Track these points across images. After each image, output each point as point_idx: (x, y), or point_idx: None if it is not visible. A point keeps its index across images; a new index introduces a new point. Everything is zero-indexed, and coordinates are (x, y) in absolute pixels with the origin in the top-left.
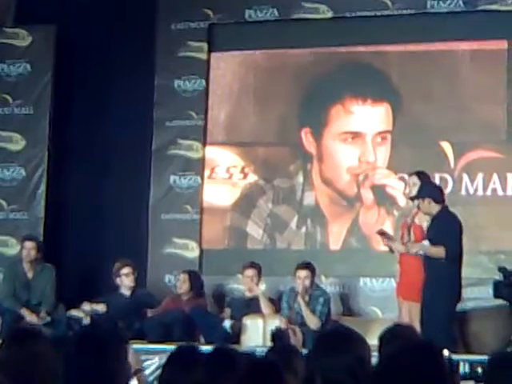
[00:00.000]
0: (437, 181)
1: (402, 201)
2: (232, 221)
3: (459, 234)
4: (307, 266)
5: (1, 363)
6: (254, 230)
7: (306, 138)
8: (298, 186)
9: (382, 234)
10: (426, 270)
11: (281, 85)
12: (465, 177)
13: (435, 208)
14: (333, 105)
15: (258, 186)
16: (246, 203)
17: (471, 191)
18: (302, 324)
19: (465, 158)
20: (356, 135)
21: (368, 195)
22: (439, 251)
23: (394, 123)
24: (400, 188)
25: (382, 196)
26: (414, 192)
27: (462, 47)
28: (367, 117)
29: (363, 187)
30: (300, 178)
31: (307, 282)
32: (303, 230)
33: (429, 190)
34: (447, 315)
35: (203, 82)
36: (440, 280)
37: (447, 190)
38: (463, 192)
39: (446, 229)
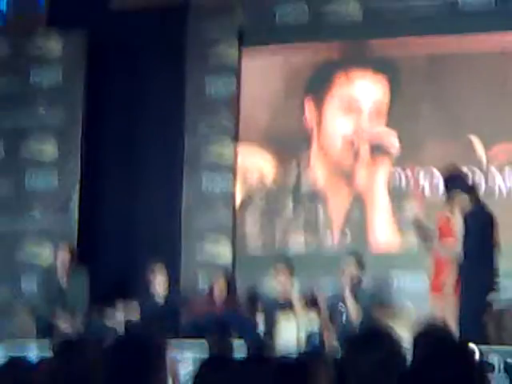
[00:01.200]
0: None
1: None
2: (262, 222)
3: (484, 231)
4: (357, 254)
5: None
6: (284, 232)
7: (309, 106)
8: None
9: (418, 225)
10: (460, 264)
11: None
12: (493, 170)
13: (465, 201)
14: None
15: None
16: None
17: (501, 184)
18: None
19: (494, 151)
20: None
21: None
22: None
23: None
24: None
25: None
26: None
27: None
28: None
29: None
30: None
31: (354, 271)
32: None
33: (460, 184)
34: (481, 309)
35: (235, 84)
36: (474, 274)
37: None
38: (492, 185)
39: (471, 225)
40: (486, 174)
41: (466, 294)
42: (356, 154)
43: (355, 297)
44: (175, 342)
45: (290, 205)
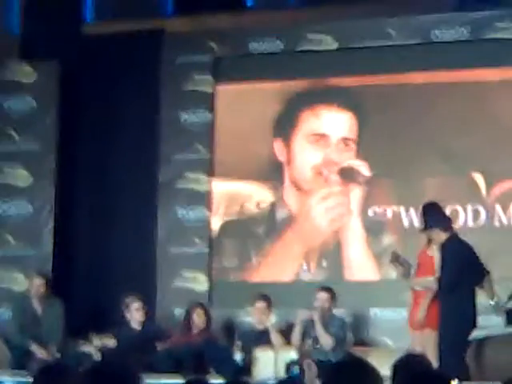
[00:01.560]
0: (469, 212)
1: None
2: (238, 252)
3: (461, 264)
4: (329, 289)
5: None
6: (260, 262)
7: (277, 143)
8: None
9: (396, 258)
10: (439, 300)
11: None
12: (497, 207)
13: (443, 236)
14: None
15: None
16: (244, 233)
17: (505, 221)
18: (315, 352)
19: (497, 188)
20: (322, 137)
21: (335, 179)
22: (432, 283)
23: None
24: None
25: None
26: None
27: (488, 76)
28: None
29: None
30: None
31: (326, 305)
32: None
33: (435, 219)
34: (461, 344)
35: (209, 114)
36: (453, 309)
37: (481, 221)
38: (496, 223)
39: (448, 259)
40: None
41: (444, 329)
42: (326, 183)
43: (327, 327)
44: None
45: (265, 234)
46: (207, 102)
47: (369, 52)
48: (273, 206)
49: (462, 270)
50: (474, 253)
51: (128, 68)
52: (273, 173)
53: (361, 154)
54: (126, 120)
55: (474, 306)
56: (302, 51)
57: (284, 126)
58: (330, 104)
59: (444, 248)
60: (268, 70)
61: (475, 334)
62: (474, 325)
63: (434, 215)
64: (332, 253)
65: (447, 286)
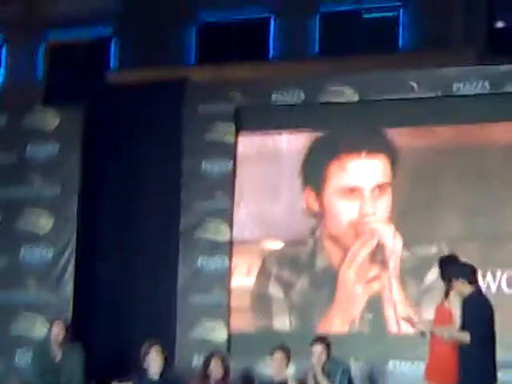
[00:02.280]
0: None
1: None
2: (258, 302)
3: (489, 319)
4: (322, 339)
5: None
6: (280, 312)
7: (308, 197)
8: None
9: (408, 320)
10: (458, 354)
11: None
12: None
13: (468, 289)
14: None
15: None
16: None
17: None
18: None
19: None
20: (354, 190)
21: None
22: (465, 336)
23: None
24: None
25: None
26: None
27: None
28: (364, 171)
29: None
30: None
31: (323, 357)
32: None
33: (461, 270)
34: None
35: (230, 163)
36: (473, 365)
37: None
38: None
39: (475, 313)
40: None
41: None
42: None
43: (330, 376)
44: None
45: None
46: (229, 151)
47: (389, 104)
48: (312, 257)
49: (488, 321)
50: (492, 307)
51: (151, 115)
52: (304, 225)
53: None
54: (148, 167)
55: (494, 360)
56: (323, 103)
57: (313, 177)
58: (357, 152)
59: (471, 300)
60: (290, 121)
61: None
62: (494, 380)
63: (458, 266)
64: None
65: (481, 340)
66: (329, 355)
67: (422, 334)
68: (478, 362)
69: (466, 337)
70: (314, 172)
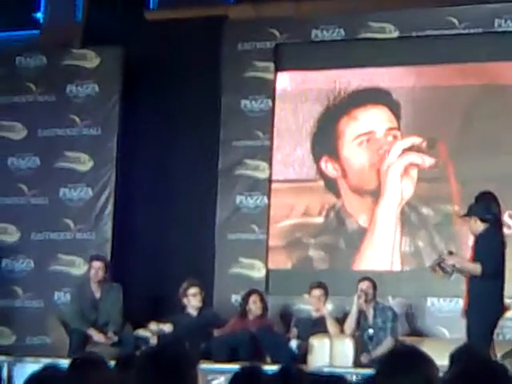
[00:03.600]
0: None
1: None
2: (296, 242)
3: (498, 253)
4: (367, 278)
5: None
6: (317, 252)
7: (326, 166)
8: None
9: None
10: (468, 285)
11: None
12: None
13: (480, 227)
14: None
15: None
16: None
17: None
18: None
19: None
20: (368, 134)
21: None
22: (475, 268)
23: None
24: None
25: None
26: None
27: None
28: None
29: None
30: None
31: (370, 292)
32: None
33: (477, 208)
34: (489, 325)
35: (270, 101)
36: (480, 296)
37: None
38: None
39: (485, 246)
40: None
41: (474, 311)
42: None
43: (377, 318)
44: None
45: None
46: (268, 89)
47: (429, 41)
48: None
49: (496, 257)
50: (504, 246)
51: (190, 54)
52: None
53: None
54: (187, 105)
55: (501, 294)
56: (363, 39)
57: (326, 141)
58: (363, 104)
59: (481, 237)
60: (329, 59)
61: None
62: (501, 311)
63: (477, 205)
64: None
65: (489, 274)
66: (375, 295)
67: (445, 272)
68: (486, 295)
69: (476, 269)
70: (326, 137)
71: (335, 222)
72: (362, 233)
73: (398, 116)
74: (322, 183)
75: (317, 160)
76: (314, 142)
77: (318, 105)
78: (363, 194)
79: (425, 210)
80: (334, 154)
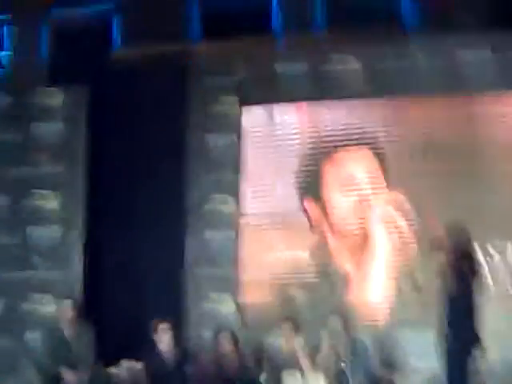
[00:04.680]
0: None
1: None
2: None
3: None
4: (339, 312)
5: None
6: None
7: (309, 207)
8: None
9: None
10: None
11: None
12: None
13: (443, 261)
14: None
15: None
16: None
17: None
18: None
19: None
20: (350, 178)
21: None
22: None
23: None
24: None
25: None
26: None
27: None
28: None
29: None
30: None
31: (340, 329)
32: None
33: (442, 243)
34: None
35: (235, 136)
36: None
37: None
38: None
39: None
40: None
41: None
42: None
43: (350, 352)
44: None
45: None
46: (234, 124)
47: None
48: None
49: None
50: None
51: (156, 90)
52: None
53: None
54: (153, 143)
55: (476, 327)
56: (326, 71)
57: (309, 182)
58: (346, 147)
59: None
60: (293, 92)
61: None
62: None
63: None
64: None
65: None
66: (345, 329)
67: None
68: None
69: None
70: (309, 178)
71: (318, 260)
72: (344, 276)
73: (381, 159)
74: (305, 221)
75: (300, 198)
76: (297, 180)
77: (299, 141)
78: (347, 240)
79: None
80: (317, 196)
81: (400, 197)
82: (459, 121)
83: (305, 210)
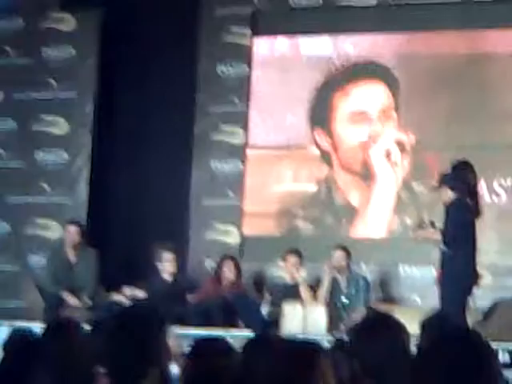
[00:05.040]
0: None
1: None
2: (273, 209)
3: (464, 222)
4: (341, 246)
5: (40, 354)
6: (293, 220)
7: (320, 137)
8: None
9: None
10: (441, 254)
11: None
12: None
13: (450, 196)
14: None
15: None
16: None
17: None
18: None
19: None
20: (361, 114)
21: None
22: (434, 233)
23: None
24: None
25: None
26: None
27: None
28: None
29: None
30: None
31: (343, 263)
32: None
33: (448, 178)
34: (461, 297)
35: (246, 67)
36: (452, 265)
37: None
38: None
39: (450, 215)
40: None
41: (446, 281)
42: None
43: (350, 287)
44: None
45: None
46: (245, 54)
47: (406, 9)
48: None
49: (465, 225)
50: (474, 215)
51: (168, 19)
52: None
53: (402, 121)
54: (163, 71)
55: (473, 262)
56: (341, 6)
57: (320, 113)
58: (357, 80)
59: (449, 206)
60: (307, 25)
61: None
62: (473, 279)
63: (451, 174)
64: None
65: (451, 239)
66: (348, 264)
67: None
68: (458, 263)
69: (435, 234)
70: (320, 109)
71: (325, 193)
72: (350, 210)
73: (395, 92)
74: (315, 151)
75: (312, 129)
76: (310, 110)
77: (312, 73)
78: (353, 173)
79: (416, 187)
80: (327, 128)
81: (409, 133)
82: (471, 57)
83: (314, 143)
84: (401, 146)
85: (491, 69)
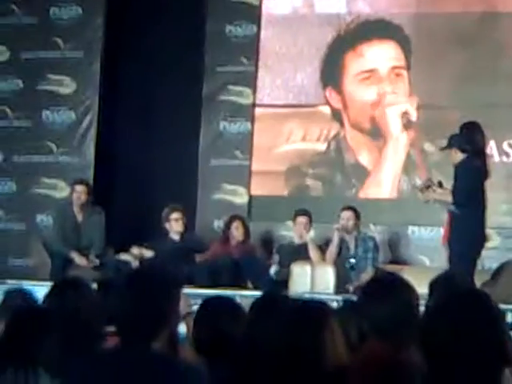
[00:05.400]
0: None
1: None
2: (282, 168)
3: (472, 182)
4: (350, 207)
5: (47, 312)
6: (303, 179)
7: (331, 96)
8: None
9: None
10: (450, 215)
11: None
12: None
13: (459, 157)
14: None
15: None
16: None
17: None
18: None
19: None
20: (371, 72)
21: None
22: (447, 195)
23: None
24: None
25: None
26: None
27: None
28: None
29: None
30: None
31: (351, 223)
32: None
33: (457, 139)
34: (469, 258)
35: (255, 27)
36: (461, 226)
37: None
38: None
39: (460, 176)
40: None
41: (455, 242)
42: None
43: (359, 247)
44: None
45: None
46: (254, 14)
47: None
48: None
49: (474, 186)
50: (483, 174)
51: None
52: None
53: (414, 80)
54: (171, 30)
55: (483, 223)
56: None
57: (331, 72)
58: (369, 39)
59: (458, 167)
60: None
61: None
62: (483, 241)
63: (459, 135)
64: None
65: (461, 200)
66: (357, 225)
67: (426, 201)
68: (467, 224)
69: (443, 195)
70: (330, 68)
71: (335, 152)
72: (359, 169)
73: (407, 52)
74: (325, 110)
75: (323, 87)
76: (321, 69)
77: (323, 31)
78: (364, 132)
79: (426, 148)
80: (337, 87)
81: (420, 93)
82: (484, 15)
83: (325, 101)
84: (412, 105)
85: (504, 28)
